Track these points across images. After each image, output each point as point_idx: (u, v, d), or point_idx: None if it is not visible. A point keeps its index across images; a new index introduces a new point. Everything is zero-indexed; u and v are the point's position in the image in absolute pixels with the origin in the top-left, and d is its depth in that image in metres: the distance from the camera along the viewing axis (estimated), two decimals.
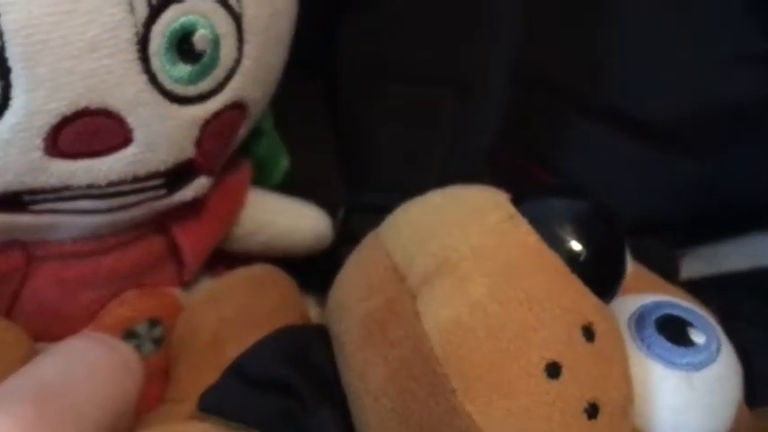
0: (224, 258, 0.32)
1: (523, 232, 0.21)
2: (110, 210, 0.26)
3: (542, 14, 0.36)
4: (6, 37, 0.21)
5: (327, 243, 0.34)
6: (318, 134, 0.37)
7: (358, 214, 0.34)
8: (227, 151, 0.29)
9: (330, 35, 0.36)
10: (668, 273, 0.27)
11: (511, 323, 0.19)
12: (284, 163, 0.34)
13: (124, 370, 0.23)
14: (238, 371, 0.23)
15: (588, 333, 0.20)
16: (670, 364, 0.21)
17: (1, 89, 0.22)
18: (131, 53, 0.23)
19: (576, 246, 0.21)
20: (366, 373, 0.21)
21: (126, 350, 0.24)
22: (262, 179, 0.33)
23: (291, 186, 0.34)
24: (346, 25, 0.35)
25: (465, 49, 0.34)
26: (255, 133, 0.32)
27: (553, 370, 0.19)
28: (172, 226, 0.29)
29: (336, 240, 0.34)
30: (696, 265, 0.36)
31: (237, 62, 0.25)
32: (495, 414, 0.19)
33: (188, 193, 0.27)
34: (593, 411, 0.19)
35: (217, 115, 0.26)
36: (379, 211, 0.32)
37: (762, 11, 0.34)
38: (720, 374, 0.22)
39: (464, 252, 0.21)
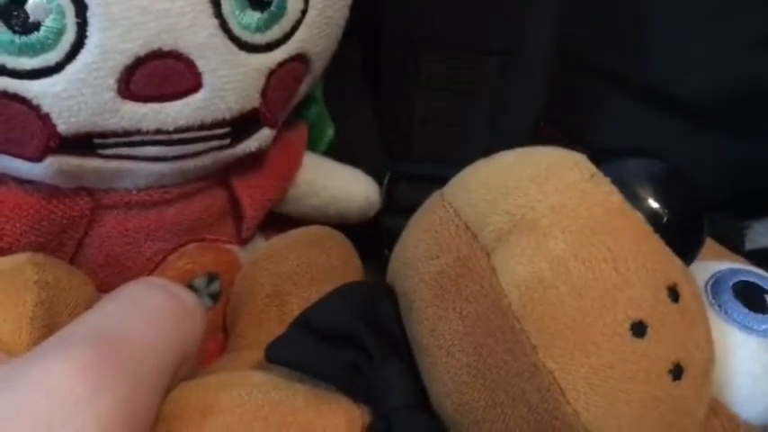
0: (278, 223, 0.31)
1: (606, 191, 0.20)
2: (175, 158, 0.25)
3: None
4: None
5: (375, 210, 0.33)
6: (362, 103, 0.35)
7: (402, 183, 0.33)
8: (289, 104, 0.27)
9: (373, 5, 0.34)
10: (734, 245, 0.25)
11: (595, 281, 0.18)
12: (329, 132, 0.33)
13: (185, 316, 0.22)
14: (305, 323, 0.22)
15: (673, 294, 0.19)
16: (748, 329, 0.20)
17: (77, 27, 0.21)
18: None
19: (658, 207, 0.20)
20: (439, 329, 0.20)
21: (187, 296, 0.22)
22: (308, 146, 0.32)
23: (335, 154, 0.33)
24: None
25: (508, 19, 0.32)
26: (306, 98, 0.31)
27: (638, 329, 0.18)
28: (233, 180, 0.28)
29: (379, 209, 0.33)
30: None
31: (303, 13, 0.24)
32: (578, 372, 0.18)
33: (252, 144, 0.26)
34: (677, 372, 0.18)
35: (282, 65, 0.25)
36: (423, 180, 0.30)
37: None
38: None
39: (542, 210, 0.19)
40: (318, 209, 0.31)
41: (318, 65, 0.27)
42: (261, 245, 0.31)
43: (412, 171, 0.33)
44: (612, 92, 0.35)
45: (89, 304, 0.23)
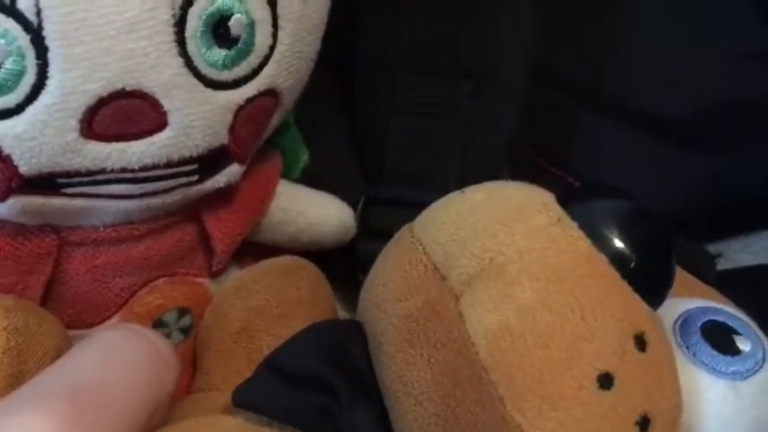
0: (252, 250, 0.30)
1: (573, 236, 0.19)
2: (142, 195, 0.24)
3: (555, 12, 0.34)
4: (44, 14, 0.20)
5: (351, 235, 0.32)
6: (336, 128, 0.35)
7: (376, 207, 0.33)
8: (260, 139, 0.27)
9: (348, 29, 0.34)
10: (704, 274, 0.25)
11: (562, 331, 0.18)
12: (304, 157, 0.33)
13: (160, 363, 0.21)
14: (273, 365, 0.21)
15: (640, 343, 0.19)
16: (716, 372, 0.20)
17: (38, 68, 0.20)
18: (168, 35, 0.21)
19: (626, 250, 0.19)
20: (407, 375, 0.20)
21: (161, 342, 0.22)
22: (282, 172, 0.31)
23: (310, 180, 0.32)
24: (364, 19, 0.33)
25: (481, 43, 0.32)
26: (280, 125, 0.30)
27: (605, 381, 0.18)
28: (203, 214, 0.27)
29: (356, 234, 0.32)
30: None
31: (272, 49, 0.24)
32: (545, 426, 0.17)
33: (220, 180, 0.25)
34: (644, 424, 0.18)
35: (251, 101, 0.24)
36: (397, 205, 0.30)
37: None
38: (766, 383, 0.20)
39: (510, 254, 0.19)
40: (293, 236, 0.31)
41: (290, 98, 0.27)
42: (234, 275, 0.30)
43: (386, 195, 0.32)
44: (589, 110, 0.35)
45: (58, 351, 0.23)
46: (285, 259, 0.30)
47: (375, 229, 0.32)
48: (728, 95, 0.33)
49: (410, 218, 0.24)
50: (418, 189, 0.31)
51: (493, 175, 0.32)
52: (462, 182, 0.32)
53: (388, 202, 0.32)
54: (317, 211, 0.31)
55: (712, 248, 0.36)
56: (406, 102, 0.32)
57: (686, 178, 0.35)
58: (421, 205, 0.24)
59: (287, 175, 0.32)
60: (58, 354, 0.23)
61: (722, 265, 0.35)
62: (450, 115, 0.32)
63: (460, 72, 0.32)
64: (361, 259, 0.31)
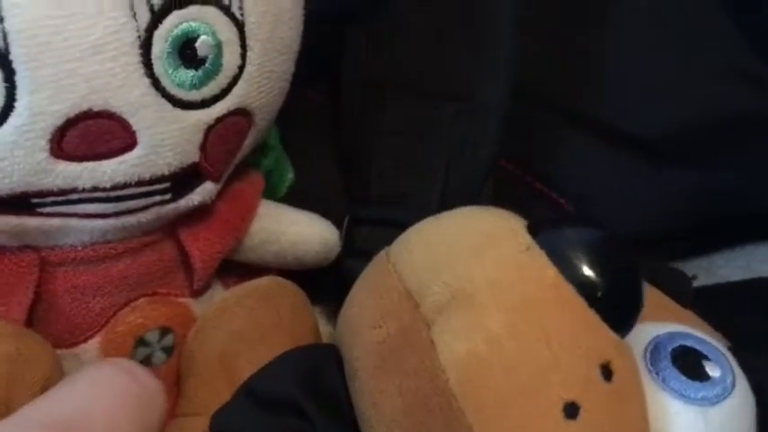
0: (236, 270, 0.30)
1: (541, 265, 0.20)
2: (117, 214, 0.24)
3: (538, 31, 0.34)
4: (10, 38, 0.20)
5: (335, 254, 0.32)
6: (322, 147, 0.35)
7: (361, 227, 0.32)
8: (233, 157, 0.27)
9: (334, 50, 0.34)
10: (681, 296, 0.25)
11: (529, 361, 0.18)
12: (289, 176, 0.33)
13: (148, 401, 0.21)
14: (250, 391, 0.21)
15: (606, 372, 0.19)
16: (685, 398, 0.20)
17: (5, 91, 0.21)
18: (134, 56, 0.21)
19: (594, 279, 0.19)
20: (379, 402, 0.20)
21: (150, 381, 0.22)
22: (267, 192, 0.31)
23: (295, 199, 0.32)
24: (349, 41, 0.34)
25: (464, 64, 0.32)
26: (263, 147, 0.31)
27: (571, 410, 0.18)
28: (181, 233, 0.27)
29: (340, 253, 0.32)
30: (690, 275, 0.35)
31: (241, 69, 0.24)
32: None
33: (194, 198, 0.25)
34: None
35: (221, 120, 0.24)
36: (382, 224, 0.30)
37: (750, 28, 0.32)
38: (735, 408, 0.20)
39: (479, 284, 0.19)
40: (277, 255, 0.31)
41: (263, 117, 0.27)
42: (219, 294, 0.30)
43: (370, 215, 0.32)
44: (572, 128, 0.34)
45: (48, 378, 0.23)
46: (267, 281, 0.30)
47: (360, 249, 0.32)
48: (711, 113, 0.33)
49: (393, 237, 0.24)
50: (402, 209, 0.31)
51: (476, 194, 0.32)
52: (445, 201, 0.32)
53: (372, 222, 0.32)
54: (300, 231, 0.31)
55: (695, 263, 0.36)
56: (390, 123, 0.33)
57: (669, 195, 0.34)
58: (404, 225, 0.24)
59: (273, 194, 0.32)
60: (47, 381, 0.23)
61: (705, 279, 0.34)
62: (434, 136, 0.32)
63: (444, 94, 0.32)
64: (347, 278, 0.30)
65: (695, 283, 0.29)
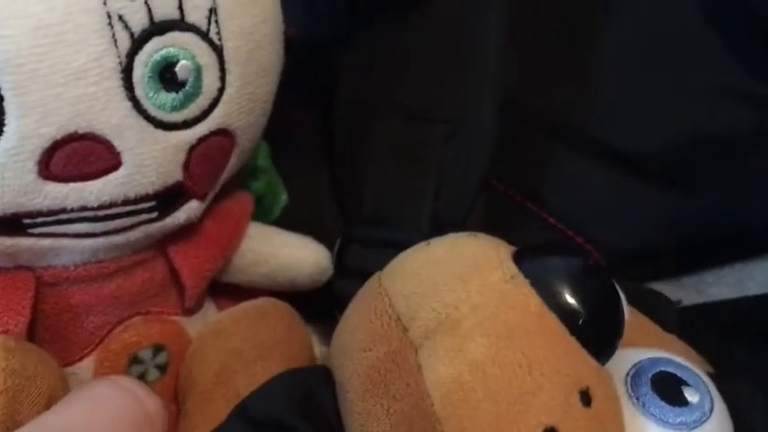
0: (228, 292, 0.31)
1: (524, 294, 0.20)
2: (105, 233, 0.25)
3: (529, 51, 0.34)
4: None
5: (328, 276, 0.32)
6: (316, 169, 0.35)
7: (352, 247, 0.32)
8: (218, 176, 0.27)
9: (324, 74, 0.34)
10: (664, 320, 0.25)
11: (510, 386, 0.19)
12: (283, 198, 0.33)
13: (146, 422, 0.22)
14: (243, 413, 0.22)
15: (585, 398, 0.19)
16: (664, 423, 0.20)
17: None
18: (115, 81, 0.22)
19: (575, 307, 0.20)
20: (368, 425, 0.21)
21: (150, 401, 0.22)
22: (261, 214, 0.31)
23: (288, 221, 0.32)
24: (340, 63, 0.34)
25: (454, 87, 0.32)
26: (255, 170, 0.31)
27: None
28: (170, 251, 0.27)
29: (332, 274, 0.32)
30: (679, 293, 0.34)
31: (221, 91, 0.24)
32: None
33: (180, 216, 0.26)
34: None
35: (203, 140, 0.25)
36: (373, 245, 0.30)
37: (744, 48, 0.32)
38: None
39: (465, 311, 0.20)
40: (268, 276, 0.31)
41: (246, 137, 0.27)
42: (212, 313, 0.30)
43: (362, 235, 0.32)
44: (562, 147, 0.34)
45: (53, 392, 0.24)
46: (263, 301, 0.30)
47: (351, 269, 0.32)
48: (701, 131, 0.33)
49: (384, 258, 0.24)
50: (393, 229, 0.31)
51: (467, 214, 0.32)
52: (436, 222, 0.31)
53: (363, 242, 0.32)
54: (290, 253, 0.31)
55: (684, 280, 0.35)
56: (381, 145, 0.33)
57: (658, 214, 0.34)
58: (396, 245, 0.24)
59: (266, 216, 0.32)
60: (52, 395, 0.24)
61: (695, 297, 0.34)
62: (424, 158, 0.32)
63: (434, 116, 0.32)
64: (338, 298, 0.30)
65: (682, 303, 0.30)
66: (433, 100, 0.33)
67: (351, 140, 0.34)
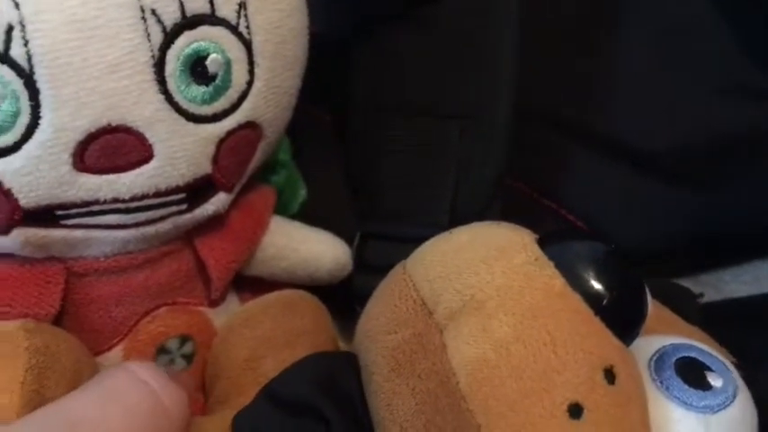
0: (251, 286, 0.31)
1: (549, 275, 0.20)
2: (136, 224, 0.25)
3: (542, 50, 0.34)
4: (35, 60, 0.21)
5: (348, 271, 0.32)
6: (334, 165, 0.35)
7: (371, 243, 0.33)
8: (244, 169, 0.27)
9: (341, 71, 0.34)
10: (687, 312, 0.25)
11: (534, 364, 0.19)
12: (302, 193, 0.33)
13: (163, 416, 0.21)
14: (270, 394, 0.22)
15: (610, 376, 0.19)
16: (688, 406, 0.20)
17: (31, 109, 0.22)
18: (148, 74, 0.23)
19: (599, 289, 0.20)
20: (393, 404, 0.21)
21: (169, 395, 0.22)
22: (280, 209, 0.31)
23: (308, 216, 0.33)
24: (354, 61, 0.34)
25: (468, 84, 0.32)
26: (275, 165, 0.31)
27: (575, 411, 0.18)
28: (197, 243, 0.28)
29: (352, 270, 0.33)
30: (698, 291, 0.35)
31: (249, 84, 0.25)
32: None
33: (209, 208, 0.26)
34: None
35: (232, 133, 0.25)
36: (392, 240, 0.31)
37: (758, 47, 0.32)
38: (736, 418, 0.21)
39: (489, 291, 0.20)
40: (288, 271, 0.31)
41: (272, 130, 0.27)
42: (235, 306, 0.31)
43: (380, 231, 0.33)
44: (577, 145, 0.34)
45: (76, 369, 0.24)
46: (289, 292, 0.30)
47: (370, 264, 0.32)
48: (715, 129, 0.33)
49: (403, 253, 0.24)
50: (411, 225, 0.32)
51: (484, 209, 0.32)
52: (454, 217, 0.32)
53: (382, 238, 0.32)
54: (311, 248, 0.32)
55: (703, 278, 0.35)
56: (395, 142, 0.33)
57: (673, 211, 0.34)
58: (413, 240, 0.24)
59: (285, 210, 0.32)
60: (76, 372, 0.24)
61: (713, 295, 0.34)
62: (440, 154, 0.32)
63: (448, 113, 0.32)
64: (358, 293, 0.31)
65: (702, 300, 0.30)
66: (448, 98, 0.33)
67: (365, 138, 0.34)
